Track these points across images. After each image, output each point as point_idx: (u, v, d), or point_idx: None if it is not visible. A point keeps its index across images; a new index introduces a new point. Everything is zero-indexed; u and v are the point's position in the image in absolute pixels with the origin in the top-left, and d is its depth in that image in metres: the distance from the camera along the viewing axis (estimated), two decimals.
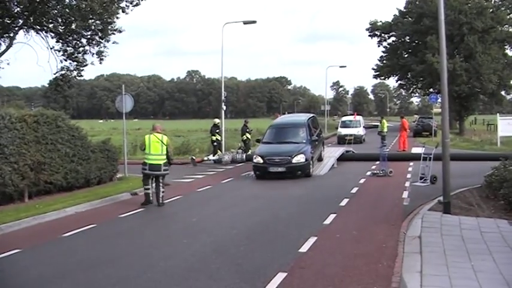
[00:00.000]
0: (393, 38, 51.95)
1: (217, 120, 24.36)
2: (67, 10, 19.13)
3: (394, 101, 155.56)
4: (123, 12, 20.04)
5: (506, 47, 46.89)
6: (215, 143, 23.53)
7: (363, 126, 36.11)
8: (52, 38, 20.33)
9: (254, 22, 25.68)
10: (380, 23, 51.83)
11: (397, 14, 50.90)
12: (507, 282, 5.75)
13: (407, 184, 14.59)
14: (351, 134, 30.35)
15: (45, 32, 20.12)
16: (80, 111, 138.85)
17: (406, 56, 50.24)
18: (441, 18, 9.94)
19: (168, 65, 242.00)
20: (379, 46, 53.10)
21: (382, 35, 52.21)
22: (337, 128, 38.30)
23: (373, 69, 54.19)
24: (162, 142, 12.09)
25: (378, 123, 33.86)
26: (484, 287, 5.64)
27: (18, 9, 19.08)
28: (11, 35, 19.43)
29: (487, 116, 65.42)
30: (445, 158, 9.86)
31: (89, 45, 20.53)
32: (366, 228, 9.12)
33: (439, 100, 19.60)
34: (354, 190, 13.74)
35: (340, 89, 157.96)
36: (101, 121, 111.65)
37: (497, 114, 34.12)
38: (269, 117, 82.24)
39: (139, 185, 12.80)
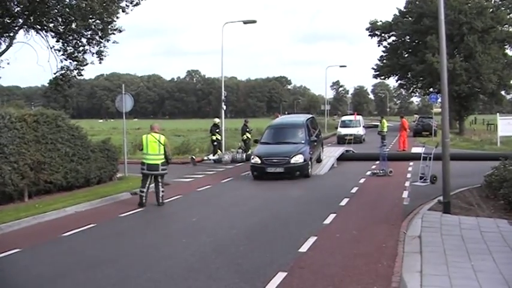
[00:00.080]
0: (393, 38, 51.96)
1: (217, 120, 24.36)
2: (67, 10, 19.10)
3: (394, 101, 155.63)
4: (123, 12, 20.02)
5: (506, 46, 46.88)
6: (215, 143, 23.53)
7: (363, 126, 36.10)
8: (52, 37, 20.30)
9: (254, 22, 25.67)
10: (380, 23, 51.83)
11: (397, 13, 50.90)
12: (507, 282, 5.75)
13: (407, 184, 14.59)
14: (351, 134, 30.35)
15: (45, 32, 20.09)
16: (80, 110, 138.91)
17: (406, 55, 50.23)
18: (441, 18, 9.94)
19: (168, 65, 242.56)
20: (379, 46, 53.21)
21: (382, 34, 52.21)
22: (336, 128, 38.28)
23: (373, 69, 54.23)
24: (159, 142, 12.08)
25: (378, 123, 33.87)
26: (484, 286, 5.64)
27: (18, 8, 19.03)
28: (11, 34, 19.40)
29: (487, 115, 65.50)
30: (445, 157, 9.86)
31: (89, 45, 20.50)
32: (366, 228, 9.12)
33: (439, 100, 19.63)
34: (354, 190, 13.74)
35: (340, 88, 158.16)
36: (101, 121, 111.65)
37: (497, 114, 34.14)
38: (269, 117, 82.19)
39: (139, 184, 12.79)
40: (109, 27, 20.05)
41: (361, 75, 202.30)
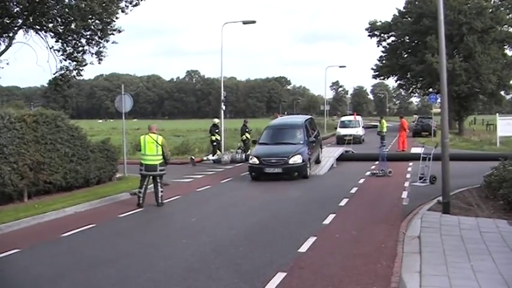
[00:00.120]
0: (393, 38, 51.95)
1: (216, 120, 24.37)
2: (66, 10, 19.09)
3: (393, 101, 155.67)
4: (122, 12, 20.00)
5: (505, 47, 46.87)
6: (214, 143, 23.54)
7: (362, 126, 36.10)
8: (51, 37, 20.29)
9: (254, 22, 25.70)
10: (379, 23, 51.82)
11: (397, 14, 50.91)
12: (506, 282, 5.76)
13: (406, 184, 14.60)
14: (350, 134, 30.38)
15: (45, 32, 20.08)
16: (80, 111, 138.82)
17: (405, 56, 50.22)
18: (440, 18, 9.95)
19: (167, 65, 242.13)
20: (378, 46, 53.18)
21: (382, 35, 52.20)
22: (336, 128, 38.28)
23: (373, 69, 54.21)
24: (156, 142, 12.08)
25: (377, 123, 33.86)
26: (483, 287, 5.64)
27: (18, 9, 19.02)
28: (11, 34, 19.39)
29: (486, 116, 65.51)
30: (444, 158, 9.87)
31: (88, 45, 20.48)
32: (365, 228, 9.13)
33: (439, 100, 19.61)
34: (354, 190, 13.75)
35: (340, 89, 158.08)
36: (100, 121, 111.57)
37: (497, 114, 34.17)
38: (268, 117, 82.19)
39: (139, 185, 12.80)
40: (108, 27, 20.03)
41: (360, 76, 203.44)
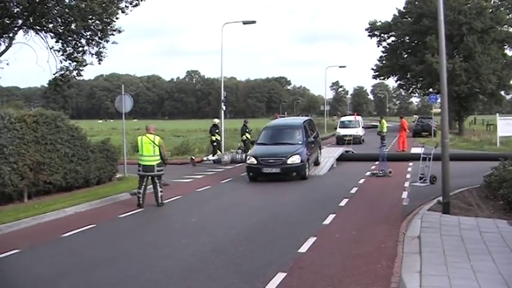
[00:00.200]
0: (393, 38, 52.04)
1: (216, 120, 24.37)
2: (66, 10, 19.10)
3: (393, 101, 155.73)
4: (122, 12, 20.01)
5: (505, 47, 46.96)
6: (215, 143, 23.54)
7: (362, 127, 36.11)
8: (51, 38, 20.30)
9: (254, 22, 25.72)
10: (379, 23, 51.88)
11: (397, 14, 50.96)
12: (506, 282, 5.76)
13: (406, 184, 14.59)
14: (350, 135, 30.36)
15: (45, 32, 20.09)
16: (80, 111, 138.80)
17: (405, 56, 50.28)
18: (440, 19, 9.95)
19: (167, 65, 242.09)
20: (378, 46, 53.28)
21: (382, 35, 52.28)
22: (336, 129, 38.29)
23: (373, 69, 54.29)
24: (153, 143, 12.05)
25: (377, 123, 33.85)
26: (483, 287, 5.64)
27: (18, 9, 19.04)
28: (11, 35, 19.40)
29: (486, 116, 65.50)
30: (444, 158, 9.87)
31: (88, 46, 20.49)
32: (365, 229, 9.12)
33: (439, 100, 19.61)
34: (354, 190, 13.75)
35: (340, 89, 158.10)
36: (100, 121, 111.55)
37: (497, 114, 34.16)
38: (268, 118, 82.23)
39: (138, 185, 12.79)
40: (108, 27, 20.04)
41: (360, 76, 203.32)
